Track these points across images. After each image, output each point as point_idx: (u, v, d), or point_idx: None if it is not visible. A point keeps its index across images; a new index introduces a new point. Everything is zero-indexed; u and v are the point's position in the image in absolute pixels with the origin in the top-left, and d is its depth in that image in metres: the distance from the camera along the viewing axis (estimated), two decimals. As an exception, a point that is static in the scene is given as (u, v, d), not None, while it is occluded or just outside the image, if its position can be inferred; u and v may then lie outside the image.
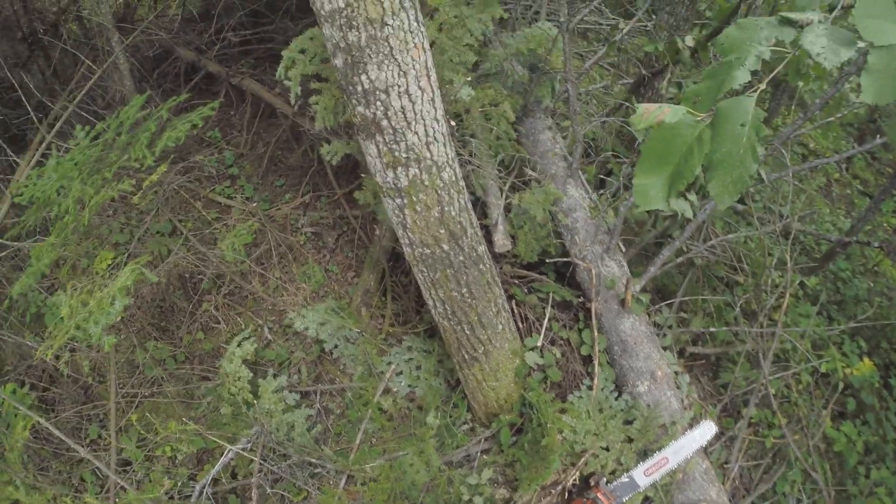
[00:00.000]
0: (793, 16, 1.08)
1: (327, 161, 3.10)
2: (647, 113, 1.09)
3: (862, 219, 3.97)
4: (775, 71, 1.10)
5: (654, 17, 3.93)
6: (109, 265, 3.02)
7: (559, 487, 2.76)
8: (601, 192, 3.30)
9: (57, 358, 3.17)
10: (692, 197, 3.17)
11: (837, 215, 5.52)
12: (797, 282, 3.95)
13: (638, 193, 1.13)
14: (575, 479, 2.76)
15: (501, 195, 3.10)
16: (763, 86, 1.09)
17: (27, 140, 4.20)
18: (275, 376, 3.12)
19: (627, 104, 3.73)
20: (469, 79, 2.59)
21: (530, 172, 3.27)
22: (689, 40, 3.16)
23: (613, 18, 4.18)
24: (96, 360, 3.44)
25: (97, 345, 2.71)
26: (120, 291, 2.57)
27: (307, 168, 4.37)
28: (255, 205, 4.26)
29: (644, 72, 3.62)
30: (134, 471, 3.12)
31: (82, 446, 2.98)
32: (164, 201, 4.15)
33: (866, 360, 3.81)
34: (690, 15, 3.79)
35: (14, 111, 4.39)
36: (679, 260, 3.26)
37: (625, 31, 3.47)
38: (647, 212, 3.37)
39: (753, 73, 1.07)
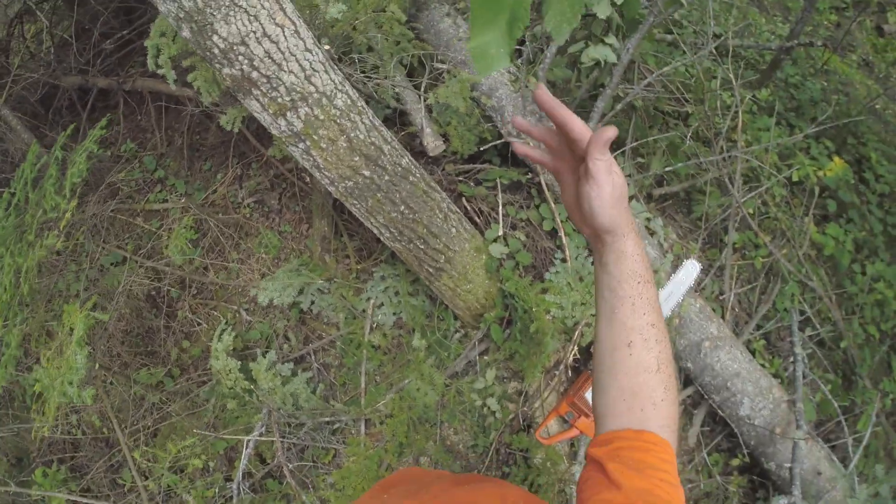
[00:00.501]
0: None
1: (236, 129, 2.99)
2: None
3: (800, 20, 3.82)
4: None
5: None
6: (77, 316, 2.98)
7: (562, 366, 2.78)
8: (517, 61, 3.16)
9: (62, 426, 3.20)
10: (610, 39, 3.05)
11: (774, 22, 5.38)
12: (748, 97, 3.86)
13: (478, 60, 0.93)
14: (575, 354, 2.77)
15: (420, 99, 2.98)
16: None
17: None
18: (264, 354, 3.10)
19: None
20: None
21: (441, 65, 3.13)
22: None
23: None
24: (102, 411, 3.44)
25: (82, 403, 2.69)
26: (78, 344, 2.53)
27: (228, 142, 4.19)
28: (190, 196, 4.13)
29: None
30: (178, 494, 3.17)
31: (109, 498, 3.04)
32: (105, 232, 4.04)
33: (836, 158, 3.76)
34: None
35: None
36: (619, 108, 3.15)
37: None
38: (570, 68, 3.25)
39: None
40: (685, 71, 4.09)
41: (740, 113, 3.46)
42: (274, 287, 3.05)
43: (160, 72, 2.76)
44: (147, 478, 3.23)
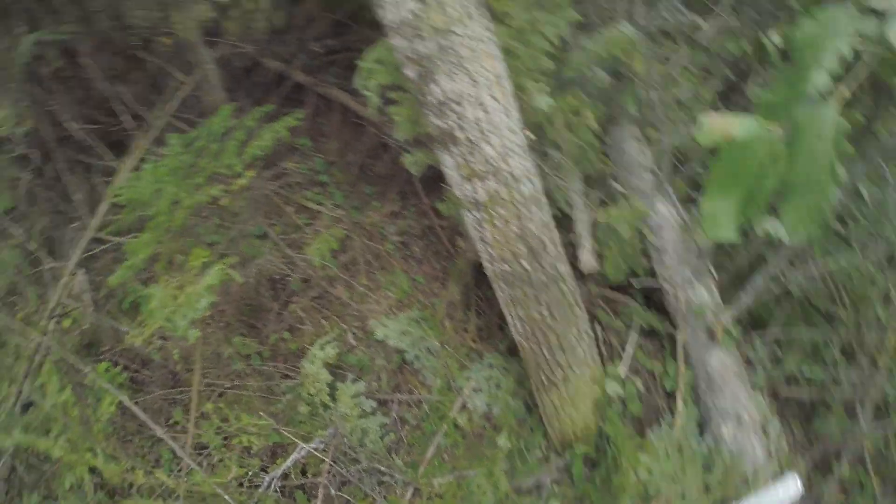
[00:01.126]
0: (872, 2, 0.92)
1: (415, 172, 3.15)
2: (714, 126, 0.96)
3: None
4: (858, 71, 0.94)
5: (736, 12, 3.64)
6: (204, 262, 3.24)
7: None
8: (691, 209, 3.16)
9: (149, 344, 3.42)
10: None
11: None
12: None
13: (706, 221, 1.01)
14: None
15: (588, 212, 3.03)
16: (846, 91, 0.92)
17: (125, 147, 4.55)
18: (354, 381, 3.21)
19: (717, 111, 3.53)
20: (546, 87, 2.53)
21: (616, 186, 3.17)
22: (776, 37, 2.86)
23: (693, 17, 3.93)
24: (185, 350, 3.66)
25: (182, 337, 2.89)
26: (206, 290, 2.75)
27: (396, 176, 4.47)
28: (343, 211, 4.40)
29: (730, 74, 3.40)
30: (210, 454, 3.27)
31: (161, 427, 3.19)
32: (256, 206, 4.37)
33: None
34: (777, 8, 3.48)
35: (113, 119, 4.76)
36: (773, 289, 3.05)
37: (705, 29, 3.26)
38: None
39: (836, 74, 0.92)
40: (848, 271, 3.88)
41: (892, 335, 3.21)
42: (392, 328, 3.17)
43: (365, 93, 2.87)
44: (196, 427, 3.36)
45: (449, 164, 2.28)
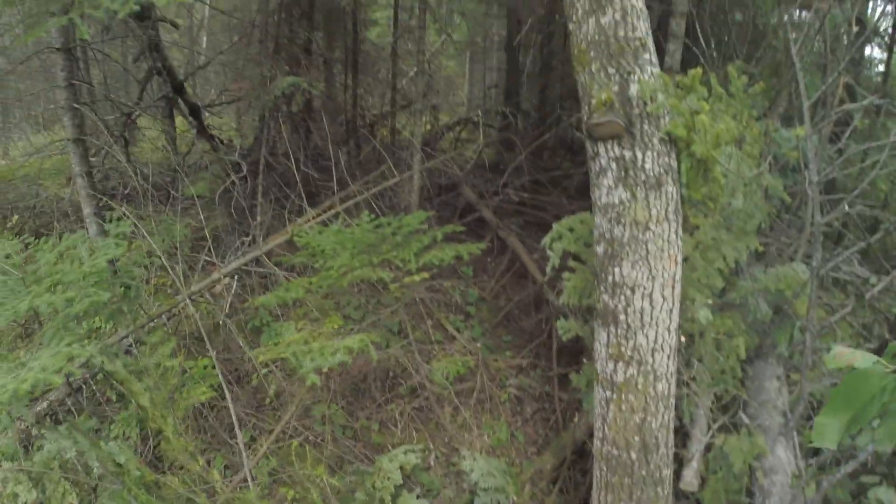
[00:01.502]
0: None
1: (558, 336, 3.31)
2: (841, 355, 1.14)
3: None
4: None
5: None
6: (336, 328, 3.55)
7: None
8: (810, 461, 2.95)
9: (264, 366, 3.71)
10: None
11: None
12: None
13: (816, 431, 1.17)
14: None
15: (707, 431, 2.96)
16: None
17: (318, 199, 5.23)
18: (418, 497, 3.21)
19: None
20: (710, 302, 2.62)
21: (744, 417, 3.07)
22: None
23: (867, 272, 3.83)
24: (283, 389, 3.90)
25: (297, 376, 3.12)
26: (344, 349, 3.02)
27: (536, 336, 4.70)
28: (478, 345, 4.64)
29: (888, 336, 3.25)
30: (257, 485, 3.40)
31: (229, 437, 3.36)
32: (405, 306, 4.73)
33: None
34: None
35: (320, 174, 5.54)
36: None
37: (877, 287, 3.17)
38: (853, 495, 2.93)
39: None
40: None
41: None
42: (480, 465, 3.19)
43: (548, 251, 3.10)
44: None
45: (602, 341, 2.45)
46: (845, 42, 3.06)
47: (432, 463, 3.74)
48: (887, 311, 3.43)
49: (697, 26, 4.05)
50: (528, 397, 4.29)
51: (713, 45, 3.97)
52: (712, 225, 2.68)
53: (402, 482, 3.23)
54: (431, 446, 3.84)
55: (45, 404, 3.32)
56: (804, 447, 3.07)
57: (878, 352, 3.29)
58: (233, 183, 5.40)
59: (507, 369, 4.53)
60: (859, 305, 3.33)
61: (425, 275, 3.57)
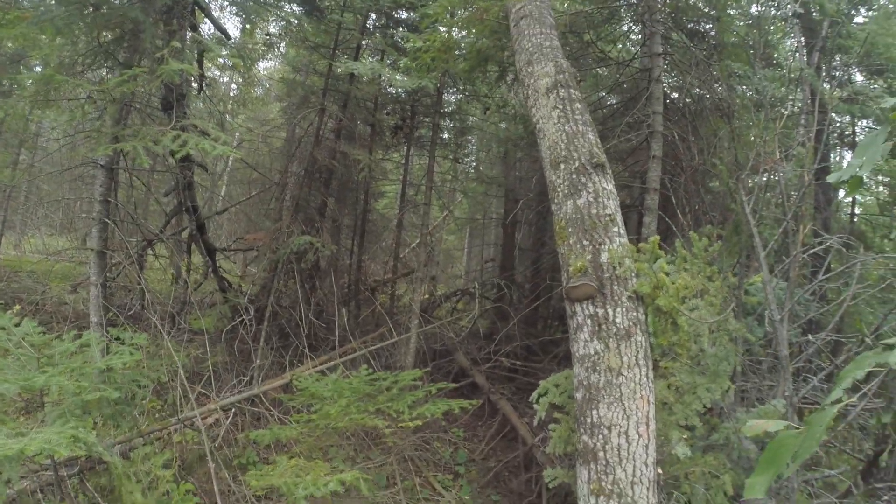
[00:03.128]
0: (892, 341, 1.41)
1: (548, 494, 3.41)
2: (756, 425, 1.45)
3: None
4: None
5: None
6: (324, 472, 3.66)
7: None
8: None
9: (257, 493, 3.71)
10: None
11: None
12: None
13: (748, 488, 1.37)
14: None
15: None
16: (854, 399, 1.35)
17: (318, 350, 5.51)
18: None
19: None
20: (685, 437, 2.83)
21: None
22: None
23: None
24: None
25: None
26: (337, 481, 3.21)
27: (525, 496, 4.75)
28: (466, 501, 4.68)
29: (872, 450, 3.33)
30: None
31: None
32: (394, 459, 4.80)
33: None
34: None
35: (322, 328, 5.86)
36: None
37: (854, 413, 3.32)
38: None
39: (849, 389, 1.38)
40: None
41: None
42: None
43: (535, 406, 3.43)
44: None
45: (583, 478, 2.69)
46: (793, 195, 3.57)
47: None
48: (869, 427, 3.60)
49: (674, 199, 4.75)
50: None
51: (688, 213, 4.61)
52: (686, 370, 3.00)
53: None
54: None
55: (31, 483, 3.28)
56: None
57: (867, 469, 3.38)
58: (240, 323, 5.74)
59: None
60: (836, 424, 3.51)
61: (419, 421, 3.77)
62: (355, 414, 3.72)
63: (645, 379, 2.59)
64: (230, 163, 11.39)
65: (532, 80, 3.40)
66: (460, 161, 9.53)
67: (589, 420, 2.62)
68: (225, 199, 11.63)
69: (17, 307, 5.75)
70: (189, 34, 4.83)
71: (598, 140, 3.13)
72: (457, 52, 4.64)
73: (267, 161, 9.88)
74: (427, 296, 8.58)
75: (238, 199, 10.12)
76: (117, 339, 3.56)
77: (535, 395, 3.42)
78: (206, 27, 7.57)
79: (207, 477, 4.10)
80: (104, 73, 4.89)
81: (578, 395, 2.71)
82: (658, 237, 2.78)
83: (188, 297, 6.29)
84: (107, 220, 4.70)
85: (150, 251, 6.32)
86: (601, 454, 2.55)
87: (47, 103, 4.05)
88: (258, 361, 5.42)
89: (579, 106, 3.20)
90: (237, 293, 6.91)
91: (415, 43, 4.42)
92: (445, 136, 8.86)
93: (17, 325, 3.07)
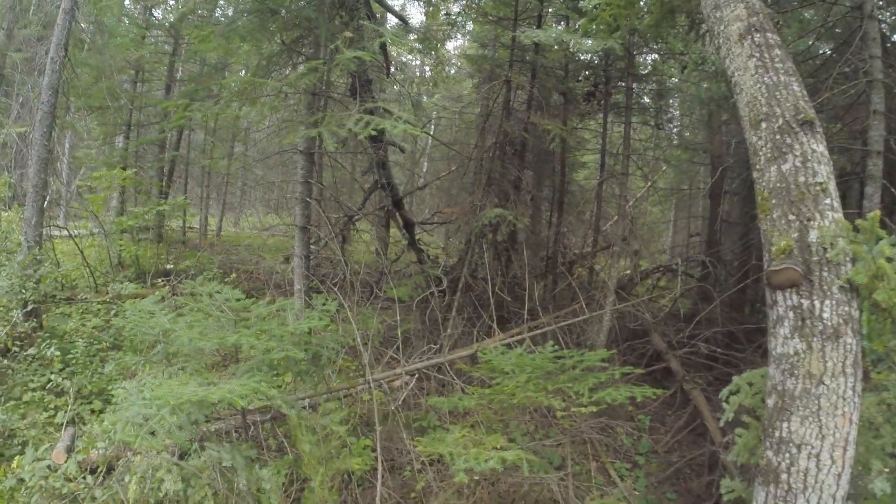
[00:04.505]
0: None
1: (723, 493, 3.03)
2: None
3: None
4: None
5: None
6: (495, 447, 3.60)
7: None
8: None
9: (427, 455, 3.84)
10: None
11: None
12: None
13: None
14: None
15: None
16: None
17: (508, 324, 5.48)
18: None
19: None
20: (888, 469, 2.24)
21: None
22: None
23: None
24: (430, 488, 4.04)
25: (447, 480, 3.21)
26: (498, 458, 3.15)
27: (703, 500, 4.31)
28: (637, 494, 4.38)
29: None
30: None
31: None
32: (571, 440, 4.62)
33: None
34: None
35: (514, 301, 5.81)
36: None
37: None
38: None
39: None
40: None
41: None
42: None
43: (723, 403, 3.05)
44: None
45: (759, 500, 2.33)
46: None
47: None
48: None
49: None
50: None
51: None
52: (901, 383, 2.38)
53: None
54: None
55: (218, 426, 3.79)
56: None
57: None
58: (432, 294, 5.97)
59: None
60: None
61: (594, 407, 3.54)
62: (532, 392, 3.62)
63: (850, 392, 2.07)
64: (429, 141, 11.91)
65: (722, 27, 2.87)
66: (661, 127, 8.70)
67: (777, 433, 2.20)
68: (428, 174, 12.24)
69: (234, 275, 6.66)
70: (363, 24, 5.02)
71: (805, 93, 2.53)
72: (641, 4, 4.16)
73: (463, 136, 10.10)
74: (626, 272, 8.07)
75: (438, 175, 10.54)
76: (313, 306, 3.90)
77: (725, 391, 3.06)
78: (391, 16, 7.89)
79: (387, 435, 4.36)
80: (296, 70, 5.36)
81: (770, 402, 2.28)
82: (880, 212, 2.15)
83: (386, 268, 6.68)
84: (308, 199, 5.15)
85: (352, 226, 6.83)
86: (784, 476, 2.14)
87: (252, 102, 4.54)
88: (448, 331, 5.59)
89: (779, 52, 2.61)
90: (434, 265, 7.19)
91: (591, 1, 4.05)
92: (646, 100, 8.16)
93: (219, 292, 3.50)
